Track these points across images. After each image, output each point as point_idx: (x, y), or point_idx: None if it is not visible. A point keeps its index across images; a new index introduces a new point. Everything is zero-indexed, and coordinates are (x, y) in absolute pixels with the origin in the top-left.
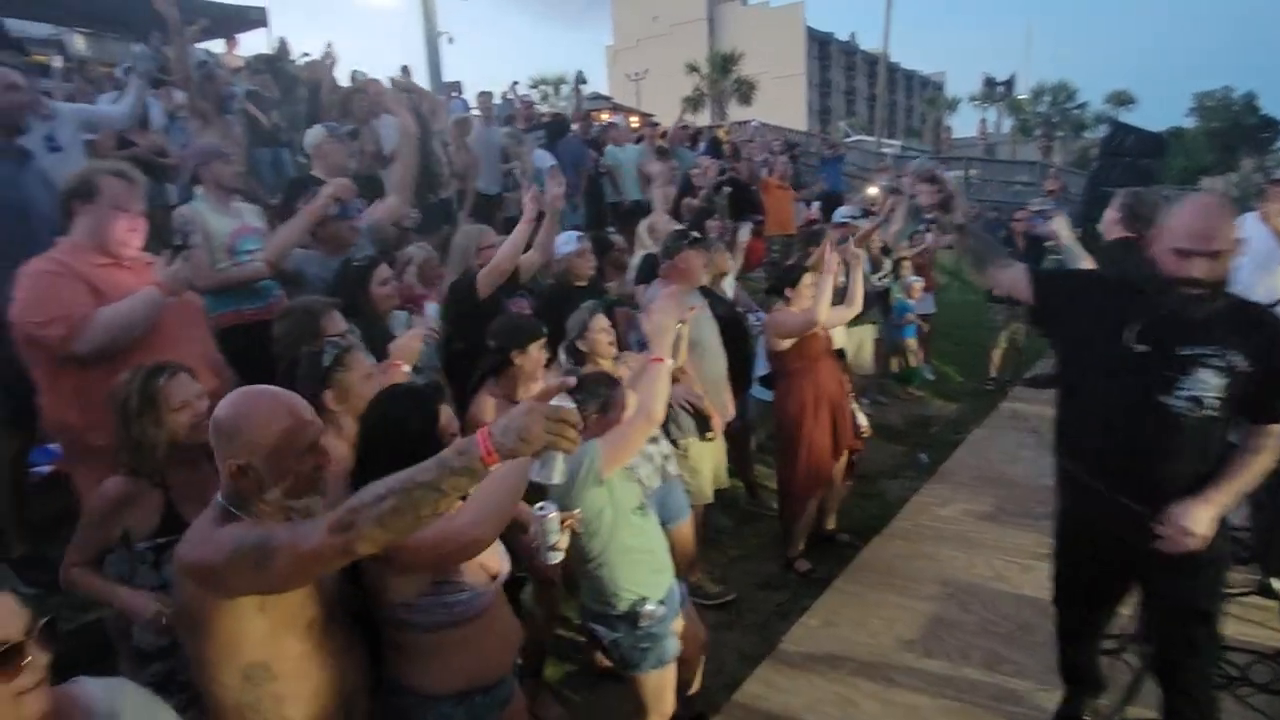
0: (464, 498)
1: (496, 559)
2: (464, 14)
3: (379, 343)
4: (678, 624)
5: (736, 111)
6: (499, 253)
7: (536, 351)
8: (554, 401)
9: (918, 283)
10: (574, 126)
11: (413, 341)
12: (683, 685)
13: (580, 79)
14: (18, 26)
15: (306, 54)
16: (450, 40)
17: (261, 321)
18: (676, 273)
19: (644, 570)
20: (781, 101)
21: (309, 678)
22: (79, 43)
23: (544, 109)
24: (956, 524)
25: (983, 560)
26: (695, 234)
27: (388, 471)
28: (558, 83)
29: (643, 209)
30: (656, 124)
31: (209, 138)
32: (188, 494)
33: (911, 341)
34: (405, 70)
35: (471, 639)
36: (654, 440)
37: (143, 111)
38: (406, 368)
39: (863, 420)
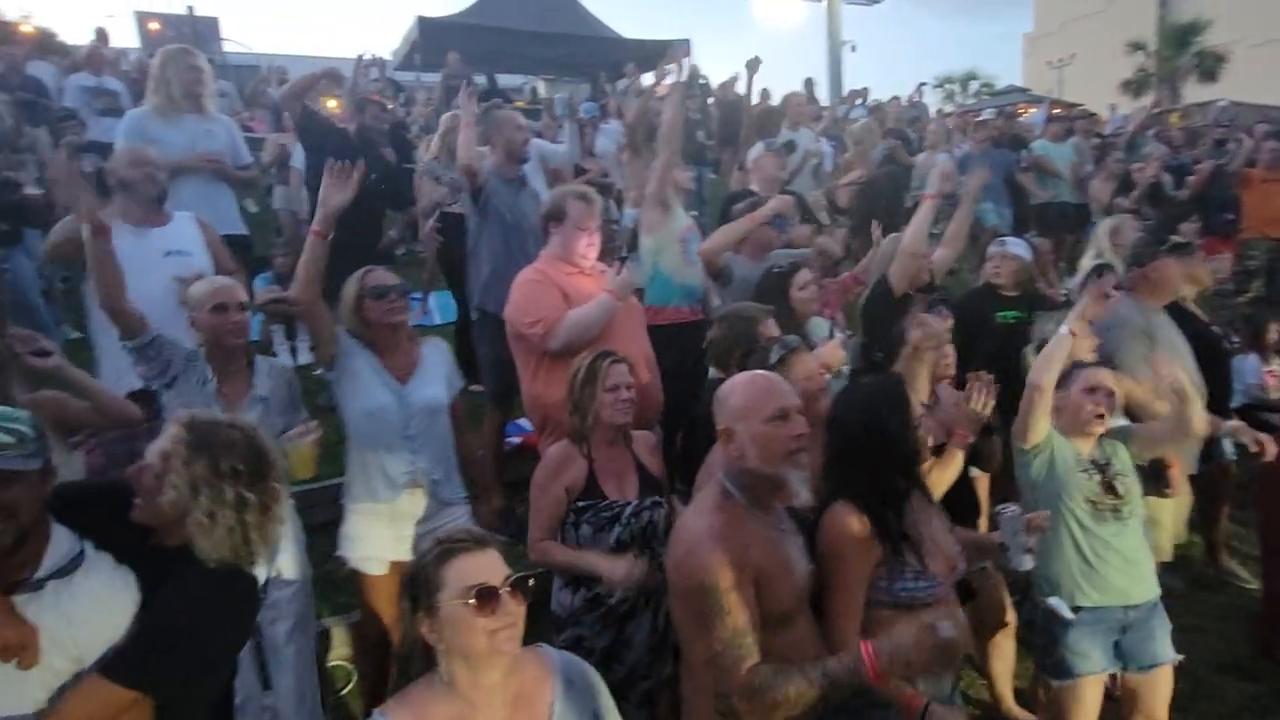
0: None
1: (955, 555)
2: (867, 20)
3: None
4: (1106, 664)
5: (1196, 92)
6: (904, 239)
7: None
8: (937, 628)
9: None
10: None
11: (836, 349)
12: None
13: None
14: (501, 80)
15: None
16: (853, 48)
17: (688, 322)
18: (1146, 284)
19: (1071, 570)
20: (1262, 74)
21: (771, 657)
22: (541, 87)
23: (949, 109)
24: None
25: None
26: (1176, 239)
27: (865, 470)
28: (965, 80)
29: (1074, 214)
30: (1091, 114)
31: (637, 167)
32: (606, 470)
33: None
34: (809, 83)
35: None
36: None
37: (583, 145)
38: (829, 375)
39: None
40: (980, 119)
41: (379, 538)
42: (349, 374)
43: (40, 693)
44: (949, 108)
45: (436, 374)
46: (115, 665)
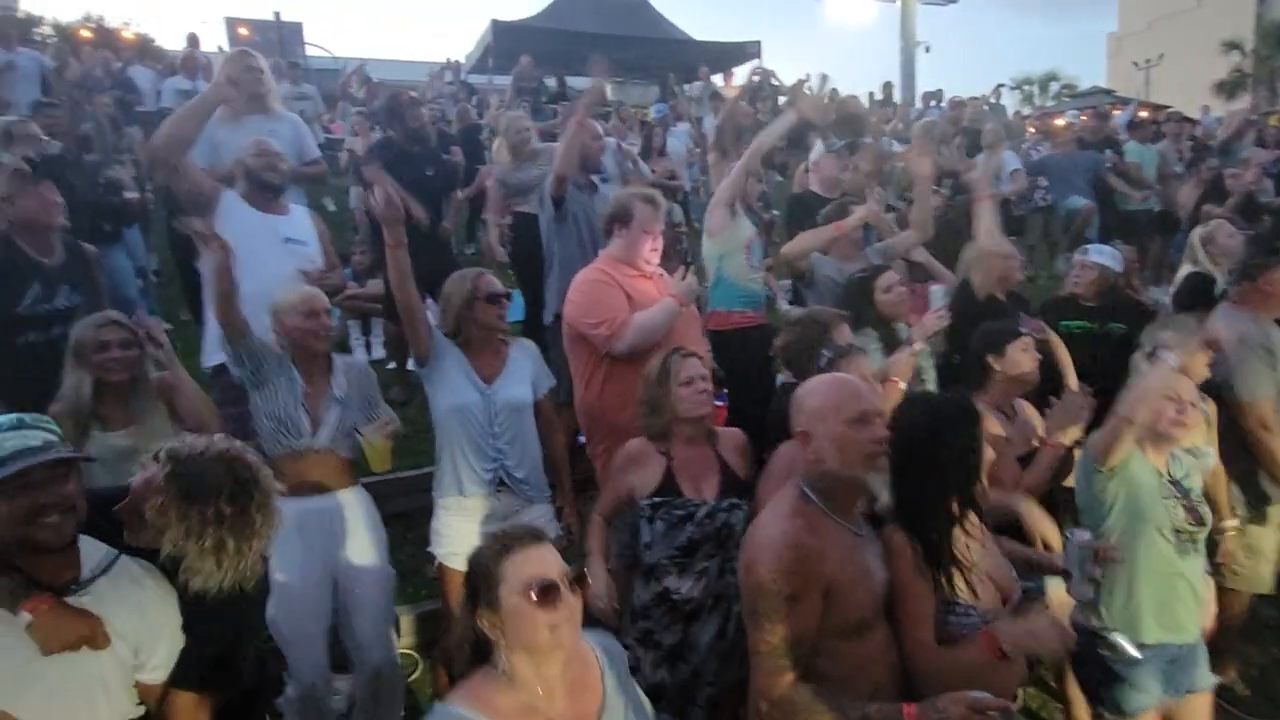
0: None
1: (1009, 582)
2: (941, 21)
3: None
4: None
5: None
6: (977, 240)
7: (1017, 354)
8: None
9: None
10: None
11: (909, 359)
12: None
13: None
14: (570, 82)
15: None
16: (927, 49)
17: (752, 326)
18: (1258, 296)
19: (1146, 605)
20: None
21: (842, 668)
22: (609, 89)
23: (1027, 111)
24: None
25: None
26: None
27: (922, 484)
28: (1045, 81)
29: (1159, 219)
30: (1187, 118)
31: (724, 170)
32: (685, 468)
33: None
34: (888, 86)
35: (974, 661)
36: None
37: (653, 146)
38: (903, 385)
39: None
40: (1059, 121)
41: (464, 534)
42: (439, 372)
43: (114, 683)
44: (1027, 110)
45: (522, 374)
46: (191, 677)
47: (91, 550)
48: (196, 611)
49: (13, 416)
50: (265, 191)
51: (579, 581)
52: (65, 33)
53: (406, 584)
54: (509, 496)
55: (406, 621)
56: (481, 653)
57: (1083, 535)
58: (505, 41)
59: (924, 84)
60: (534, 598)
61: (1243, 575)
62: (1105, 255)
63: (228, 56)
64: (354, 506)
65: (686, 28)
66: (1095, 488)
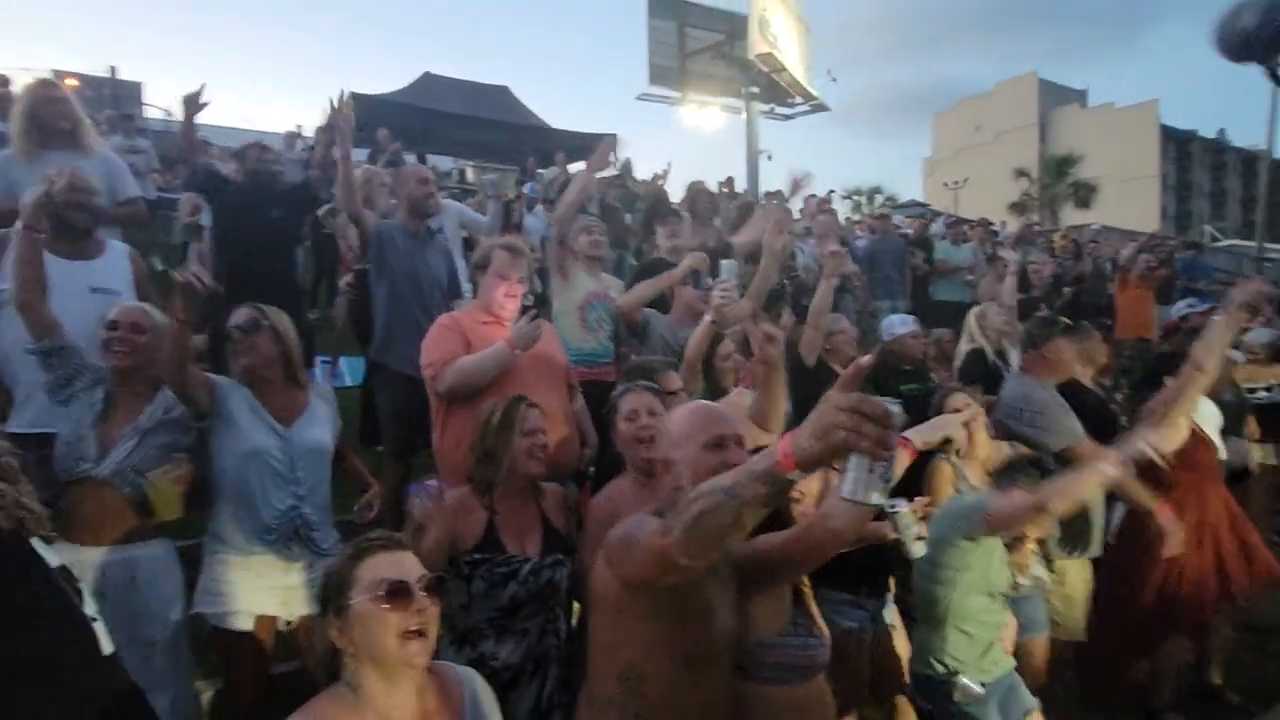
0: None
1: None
2: (784, 133)
3: None
4: None
5: (1072, 216)
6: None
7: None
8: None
9: None
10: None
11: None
12: None
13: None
14: (431, 160)
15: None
16: (769, 158)
17: (588, 382)
18: (1044, 365)
19: (975, 648)
20: (1128, 205)
21: (671, 706)
22: (470, 171)
23: (856, 217)
24: None
25: None
26: (1066, 320)
27: None
28: (871, 193)
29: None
30: (992, 227)
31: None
32: (508, 523)
33: None
34: (730, 181)
35: (809, 705)
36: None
37: (512, 221)
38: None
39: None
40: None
41: (247, 589)
42: (223, 418)
43: None
44: (857, 216)
45: (323, 418)
46: None
47: None
48: None
49: None
50: (69, 233)
51: (437, 589)
52: None
53: (211, 651)
54: (301, 548)
55: (207, 697)
56: (336, 672)
57: (899, 503)
58: (363, 114)
59: (769, 187)
60: (383, 597)
61: (1059, 624)
62: (910, 324)
63: (25, 89)
64: (154, 562)
65: (547, 117)
66: (959, 540)
